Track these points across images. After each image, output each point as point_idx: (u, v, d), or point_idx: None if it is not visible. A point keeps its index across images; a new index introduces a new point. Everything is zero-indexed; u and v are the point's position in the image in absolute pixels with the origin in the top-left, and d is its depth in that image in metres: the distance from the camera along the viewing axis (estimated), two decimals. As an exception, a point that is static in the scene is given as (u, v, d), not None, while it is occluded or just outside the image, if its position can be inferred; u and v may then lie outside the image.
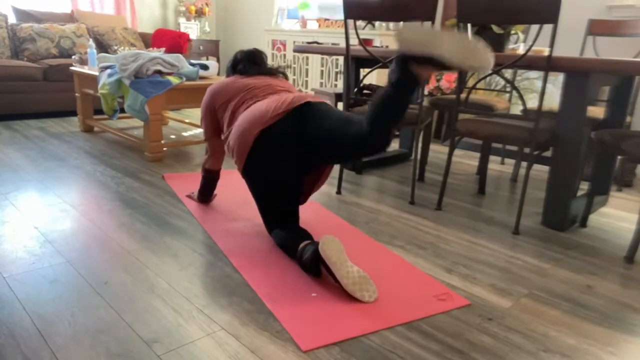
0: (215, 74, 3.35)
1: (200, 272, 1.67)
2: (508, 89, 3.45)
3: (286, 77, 2.18)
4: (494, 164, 3.44)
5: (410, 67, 1.57)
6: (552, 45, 1.98)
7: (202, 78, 3.23)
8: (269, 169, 1.79)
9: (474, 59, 1.43)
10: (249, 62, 2.14)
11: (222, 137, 2.01)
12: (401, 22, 2.32)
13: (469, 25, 2.19)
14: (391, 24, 4.30)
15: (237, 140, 1.82)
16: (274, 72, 2.13)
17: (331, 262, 1.52)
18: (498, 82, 3.79)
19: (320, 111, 1.79)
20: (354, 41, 2.64)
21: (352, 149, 1.70)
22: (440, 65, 1.52)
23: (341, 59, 4.34)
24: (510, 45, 2.52)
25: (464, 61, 1.43)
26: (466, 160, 3.53)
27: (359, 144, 1.66)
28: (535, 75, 3.63)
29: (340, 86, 4.37)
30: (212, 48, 5.85)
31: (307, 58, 4.71)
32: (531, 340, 1.38)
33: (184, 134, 3.87)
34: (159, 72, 2.99)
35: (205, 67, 3.29)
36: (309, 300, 1.51)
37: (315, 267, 1.60)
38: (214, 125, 2.10)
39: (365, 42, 2.50)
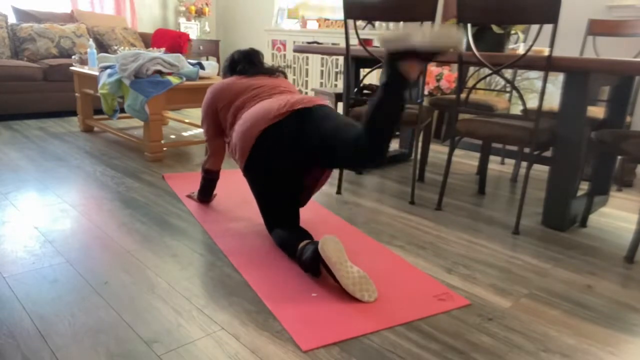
0: (215, 74, 3.35)
1: (200, 272, 1.67)
2: (508, 89, 3.45)
3: (285, 77, 2.18)
4: (494, 164, 3.44)
5: (396, 66, 1.59)
6: (552, 45, 1.98)
7: (202, 78, 3.23)
8: (270, 167, 1.79)
9: (443, 39, 1.48)
10: (248, 63, 2.14)
11: (226, 138, 2.02)
12: (401, 23, 2.34)
13: (468, 25, 2.19)
14: (391, 24, 4.30)
15: (240, 138, 1.82)
16: (273, 72, 2.14)
17: (331, 262, 1.52)
18: (498, 82, 3.79)
19: (322, 114, 1.78)
20: (354, 41, 2.64)
21: (350, 154, 1.68)
22: (421, 56, 1.55)
23: (341, 59, 4.34)
24: (510, 45, 2.52)
25: (434, 43, 1.48)
26: (466, 160, 3.53)
27: (355, 149, 1.65)
28: (535, 75, 3.63)
29: (340, 86, 4.37)
30: (212, 48, 5.85)
31: (307, 58, 4.71)
32: (531, 340, 1.38)
33: (184, 134, 3.87)
34: (159, 72, 2.99)
35: (201, 67, 3.28)
36: (309, 300, 1.51)
37: (315, 267, 1.60)
38: (215, 125, 2.10)
39: (365, 42, 2.50)
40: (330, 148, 1.71)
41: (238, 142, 1.83)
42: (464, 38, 1.49)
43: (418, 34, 1.51)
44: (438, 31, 1.49)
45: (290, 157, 1.78)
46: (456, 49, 1.50)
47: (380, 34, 1.60)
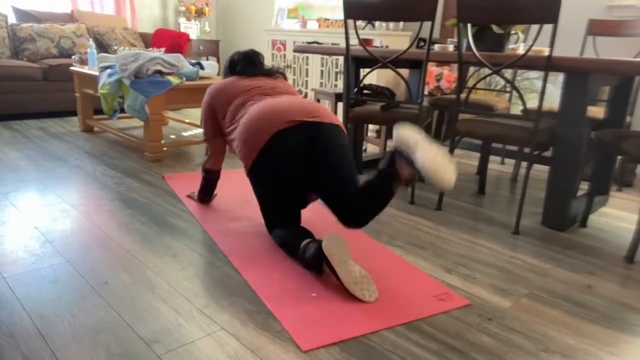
0: (215, 74, 3.35)
1: (200, 272, 1.67)
2: (508, 89, 3.45)
3: (285, 78, 2.18)
4: (494, 164, 3.44)
5: (395, 162, 1.68)
6: (552, 45, 1.98)
7: (202, 78, 3.23)
8: (277, 173, 1.78)
9: (438, 177, 1.55)
10: (247, 63, 2.15)
11: (227, 138, 2.01)
12: (401, 23, 2.35)
13: (468, 26, 2.19)
14: (391, 24, 4.30)
15: (247, 138, 1.80)
16: (272, 73, 2.14)
17: (334, 260, 1.52)
18: (498, 82, 3.79)
19: (333, 137, 1.80)
20: (354, 41, 2.64)
21: (337, 205, 1.77)
22: (415, 167, 1.63)
23: (341, 59, 4.34)
24: (510, 45, 2.52)
25: (429, 174, 1.56)
26: (466, 160, 3.53)
27: (343, 207, 1.76)
28: (535, 75, 3.63)
29: (340, 86, 4.37)
30: (212, 48, 5.85)
31: (307, 58, 4.71)
32: (531, 340, 1.38)
33: (184, 134, 3.87)
34: (159, 72, 2.99)
35: (200, 67, 3.28)
36: (309, 300, 1.51)
37: (317, 265, 1.60)
38: (215, 125, 2.10)
39: (365, 42, 2.50)
40: (326, 180, 1.78)
41: (244, 144, 1.81)
42: (453, 182, 1.57)
43: (423, 151, 1.56)
44: (437, 163, 1.53)
45: (298, 164, 1.77)
46: (443, 190, 1.57)
47: (398, 126, 1.68)
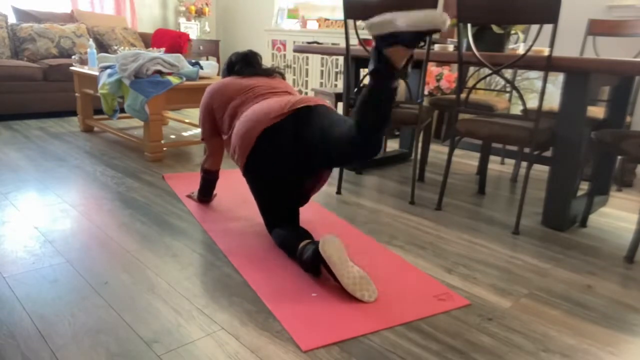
0: (215, 74, 3.35)
1: (200, 272, 1.67)
2: (508, 89, 3.45)
3: (283, 77, 2.18)
4: (494, 164, 3.44)
5: (383, 52, 1.56)
6: (552, 45, 1.98)
7: (202, 78, 3.23)
8: (270, 167, 1.79)
9: (427, 21, 1.45)
10: (245, 64, 2.15)
11: (224, 137, 2.01)
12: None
13: (468, 26, 2.19)
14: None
15: (239, 139, 1.82)
16: (270, 73, 2.14)
17: (331, 261, 1.52)
18: (498, 82, 3.79)
19: (318, 114, 1.78)
20: (354, 41, 2.64)
21: (345, 150, 1.67)
22: (405, 41, 1.52)
23: (341, 59, 4.34)
24: (510, 45, 2.52)
25: (418, 26, 1.45)
26: (466, 160, 3.53)
27: (350, 145, 1.64)
28: (535, 75, 3.63)
29: (340, 86, 4.37)
30: (212, 48, 5.85)
31: (307, 58, 4.71)
32: (531, 340, 1.38)
33: (184, 134, 3.87)
34: (159, 72, 2.99)
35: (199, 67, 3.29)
36: (309, 300, 1.51)
37: (315, 267, 1.60)
38: (213, 125, 2.10)
39: (365, 42, 2.50)
40: (328, 145, 1.70)
41: (238, 143, 1.83)
42: (447, 20, 1.48)
43: (402, 18, 1.48)
44: (422, 14, 1.46)
45: (291, 158, 1.78)
46: (441, 30, 1.47)
47: (367, 21, 1.56)
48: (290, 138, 1.76)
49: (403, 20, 1.48)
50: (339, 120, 1.73)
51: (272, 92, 1.98)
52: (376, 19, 1.54)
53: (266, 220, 1.90)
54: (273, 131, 1.76)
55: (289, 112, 1.77)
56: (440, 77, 3.92)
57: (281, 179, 1.80)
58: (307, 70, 4.74)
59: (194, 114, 4.76)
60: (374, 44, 1.59)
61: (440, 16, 1.47)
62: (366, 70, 2.56)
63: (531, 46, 2.03)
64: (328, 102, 1.93)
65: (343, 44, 3.59)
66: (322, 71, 4.56)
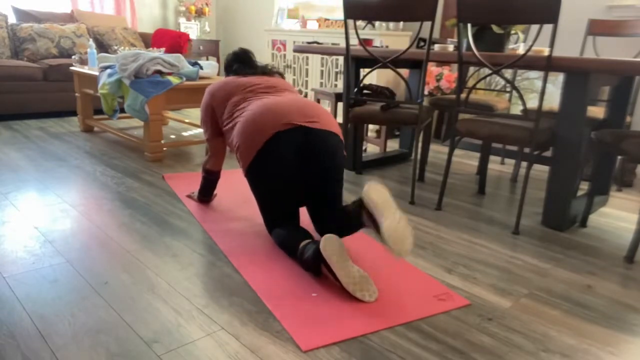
0: (215, 73, 3.35)
1: (200, 272, 1.67)
2: (508, 89, 3.45)
3: (282, 77, 2.19)
4: (494, 164, 3.44)
5: (361, 215, 1.69)
6: (552, 45, 1.98)
7: (202, 78, 3.23)
8: (274, 170, 1.78)
9: (395, 247, 1.53)
10: (241, 63, 2.18)
11: (225, 129, 2.00)
12: (401, 23, 2.36)
13: (468, 26, 2.19)
14: (391, 24, 4.30)
15: (245, 138, 1.80)
16: (269, 72, 2.16)
17: (332, 261, 1.52)
18: (498, 82, 3.79)
19: (332, 148, 1.83)
20: (354, 41, 2.64)
21: (315, 214, 1.88)
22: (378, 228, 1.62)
23: (341, 59, 4.34)
24: (510, 45, 2.52)
25: (388, 239, 1.53)
26: (466, 160, 3.53)
27: (320, 219, 1.88)
28: (535, 75, 3.63)
29: (340, 86, 4.37)
30: (212, 48, 5.85)
31: (307, 58, 4.71)
32: (531, 340, 1.38)
33: (184, 134, 3.87)
34: (159, 72, 2.99)
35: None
36: (309, 300, 1.51)
37: (316, 267, 1.60)
38: (215, 125, 2.10)
39: (365, 42, 2.50)
40: (314, 188, 1.84)
41: (242, 144, 1.81)
42: (408, 253, 1.56)
43: (388, 218, 1.55)
44: (399, 236, 1.52)
45: (293, 167, 1.78)
46: (397, 256, 1.56)
47: (369, 186, 1.66)
48: (298, 148, 1.77)
49: (388, 224, 1.56)
50: (338, 193, 1.88)
51: (273, 90, 1.98)
52: (375, 197, 1.62)
53: (266, 220, 1.90)
54: (282, 137, 1.76)
55: (303, 124, 1.78)
56: (440, 77, 3.92)
57: (283, 182, 1.80)
58: (307, 70, 4.74)
59: (194, 114, 4.76)
60: (360, 200, 1.70)
61: (405, 251, 1.55)
62: (366, 70, 2.57)
63: (531, 46, 2.03)
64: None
65: (343, 44, 3.59)
66: (322, 71, 4.56)
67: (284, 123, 1.76)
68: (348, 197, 2.54)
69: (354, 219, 1.73)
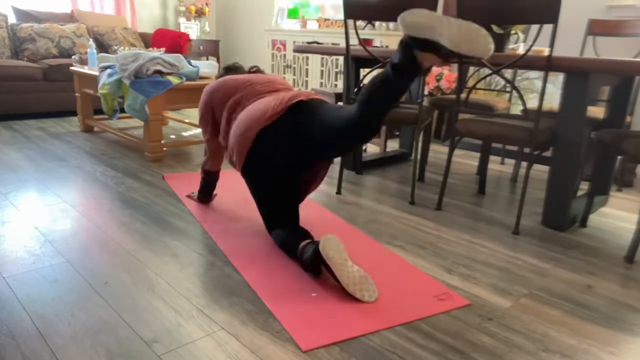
0: (215, 73, 3.35)
1: (200, 272, 1.67)
2: (508, 89, 3.45)
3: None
4: (494, 164, 3.44)
5: (413, 53, 1.50)
6: (552, 45, 1.98)
7: (202, 78, 3.23)
8: (268, 167, 1.79)
9: (472, 45, 1.39)
10: (232, 71, 2.25)
11: (220, 136, 2.01)
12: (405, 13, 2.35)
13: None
14: (391, 24, 4.30)
15: (236, 140, 1.82)
16: (261, 71, 2.22)
17: (332, 261, 1.52)
18: (498, 82, 3.79)
19: (313, 105, 1.79)
20: (354, 41, 2.64)
21: (343, 133, 1.66)
22: (441, 52, 1.46)
23: (341, 59, 4.34)
24: (510, 45, 2.52)
25: (461, 47, 1.39)
26: (466, 160, 3.53)
27: (348, 127, 1.63)
28: (535, 75, 3.63)
29: (340, 86, 4.37)
30: (212, 48, 5.85)
31: (307, 58, 4.71)
32: (531, 340, 1.38)
33: (184, 134, 3.87)
34: (159, 72, 2.99)
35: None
36: (309, 300, 1.51)
37: (315, 267, 1.60)
38: (213, 125, 2.10)
39: (365, 42, 2.50)
40: (327, 131, 1.70)
41: (235, 145, 1.83)
42: (491, 48, 1.38)
43: (444, 27, 1.38)
44: (467, 32, 1.36)
45: (288, 155, 1.78)
46: (485, 57, 1.38)
47: (401, 15, 1.43)
48: (289, 132, 1.77)
49: (447, 35, 1.39)
50: (333, 107, 1.76)
51: (270, 88, 1.99)
52: (413, 16, 1.44)
53: (266, 220, 1.90)
54: (271, 129, 1.76)
55: (282, 110, 1.78)
56: (440, 77, 3.92)
57: (279, 176, 1.80)
58: (307, 70, 4.74)
59: (194, 114, 4.76)
60: (405, 38, 1.50)
61: (484, 44, 1.39)
62: (366, 70, 2.57)
63: (531, 46, 2.03)
64: (327, 100, 1.94)
65: (343, 44, 3.59)
66: (322, 71, 4.56)
67: (266, 118, 1.76)
68: (348, 197, 2.54)
69: (403, 71, 1.53)
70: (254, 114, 1.80)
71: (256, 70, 2.23)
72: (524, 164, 3.21)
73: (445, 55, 1.47)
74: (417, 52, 1.50)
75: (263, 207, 1.89)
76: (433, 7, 2.23)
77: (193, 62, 3.33)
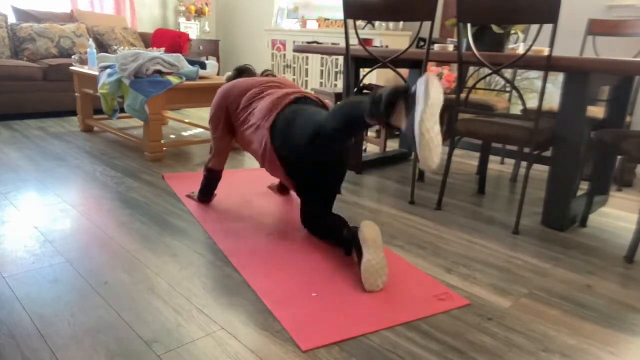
0: (215, 73, 3.35)
1: (200, 272, 1.67)
2: (508, 89, 3.45)
3: None
4: (494, 164, 3.44)
5: (393, 106, 1.58)
6: (552, 45, 1.98)
7: (202, 78, 3.23)
8: (295, 147, 1.84)
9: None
10: (244, 73, 2.33)
11: (240, 126, 2.07)
12: (401, 23, 2.40)
13: (468, 26, 2.19)
14: (391, 24, 4.30)
15: (261, 149, 1.91)
16: (271, 74, 2.32)
17: (367, 244, 1.60)
18: (498, 82, 3.79)
19: (307, 102, 1.94)
20: (354, 41, 2.64)
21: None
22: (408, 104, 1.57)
23: (341, 59, 4.34)
24: (510, 45, 2.52)
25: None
26: (466, 160, 3.53)
27: (317, 134, 1.76)
28: (535, 75, 3.63)
29: (340, 86, 4.38)
30: (212, 48, 5.85)
31: (307, 58, 4.71)
32: (531, 340, 1.38)
33: (184, 134, 3.87)
34: (159, 72, 2.99)
35: (203, 66, 3.28)
36: (309, 300, 1.51)
37: (350, 245, 1.72)
38: (226, 123, 2.12)
39: (365, 42, 2.50)
40: (307, 130, 1.82)
41: (262, 155, 1.92)
42: (438, 161, 1.64)
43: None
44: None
45: (305, 135, 1.82)
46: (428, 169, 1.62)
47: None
48: (292, 119, 1.87)
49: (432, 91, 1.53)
50: (318, 111, 1.86)
51: (282, 86, 2.09)
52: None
53: (308, 211, 1.97)
54: (280, 118, 1.88)
55: (289, 102, 1.92)
56: (440, 77, 3.92)
57: (317, 168, 1.89)
58: (307, 70, 4.74)
59: (194, 114, 4.76)
60: (399, 90, 1.59)
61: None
62: (366, 70, 2.57)
63: (531, 46, 2.03)
64: (328, 100, 2.03)
65: (343, 44, 3.59)
66: (322, 71, 4.56)
67: (287, 102, 1.90)
68: (348, 197, 2.54)
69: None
70: (276, 100, 1.92)
71: (269, 74, 2.31)
72: (524, 164, 3.21)
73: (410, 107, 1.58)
74: (395, 106, 1.58)
75: (308, 197, 1.97)
76: (433, 7, 2.23)
77: (205, 62, 3.35)
